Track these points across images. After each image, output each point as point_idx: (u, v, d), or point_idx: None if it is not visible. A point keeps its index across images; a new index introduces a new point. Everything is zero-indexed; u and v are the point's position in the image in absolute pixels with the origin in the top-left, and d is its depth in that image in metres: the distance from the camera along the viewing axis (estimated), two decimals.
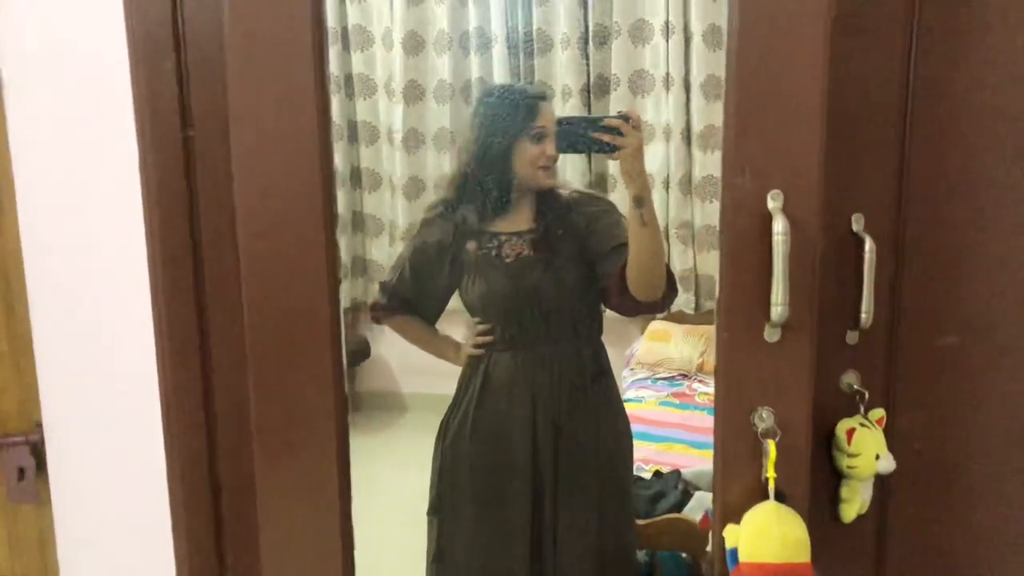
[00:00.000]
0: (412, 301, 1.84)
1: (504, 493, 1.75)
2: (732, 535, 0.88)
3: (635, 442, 1.99)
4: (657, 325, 3.50)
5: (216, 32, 0.84)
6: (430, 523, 1.86)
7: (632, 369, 3.46)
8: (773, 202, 0.84)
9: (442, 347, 1.85)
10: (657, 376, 3.38)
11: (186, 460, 0.97)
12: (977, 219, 0.97)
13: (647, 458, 2.61)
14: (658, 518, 2.17)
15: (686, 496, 2.32)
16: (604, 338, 1.81)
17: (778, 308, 0.83)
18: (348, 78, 3.79)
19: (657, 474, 2.48)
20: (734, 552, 0.87)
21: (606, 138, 1.49)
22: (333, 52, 3.73)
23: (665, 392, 3.24)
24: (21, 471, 1.31)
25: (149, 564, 1.11)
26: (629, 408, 2.75)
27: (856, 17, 0.92)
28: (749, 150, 0.84)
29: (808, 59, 0.83)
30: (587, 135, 1.51)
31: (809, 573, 0.85)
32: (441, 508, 1.84)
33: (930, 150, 0.97)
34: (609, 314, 1.80)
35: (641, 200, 1.52)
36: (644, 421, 2.90)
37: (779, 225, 0.82)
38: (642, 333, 3.54)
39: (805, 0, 0.83)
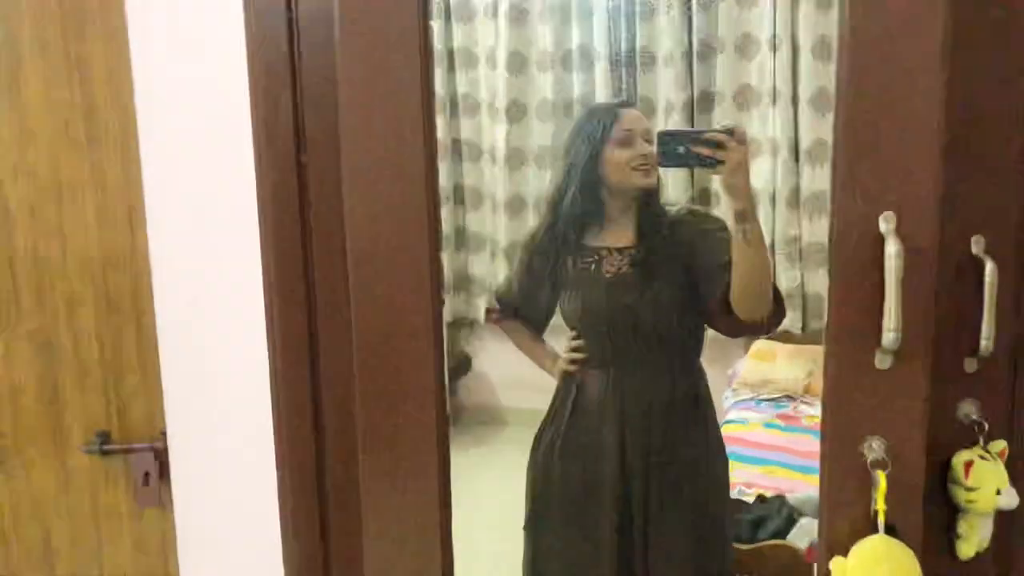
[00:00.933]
0: (520, 310, 1.86)
1: (593, 514, 1.74)
2: (839, 569, 0.85)
3: (738, 465, 1.94)
4: (762, 344, 3.40)
5: (329, 63, 0.88)
6: (526, 538, 1.87)
7: (735, 389, 3.37)
8: (886, 224, 0.82)
9: (541, 356, 1.86)
10: (761, 397, 3.29)
11: (295, 471, 1.01)
12: None
13: (750, 482, 2.54)
14: (760, 544, 2.11)
15: (790, 522, 2.24)
16: (705, 357, 1.76)
17: (891, 334, 0.80)
18: (453, 98, 3.88)
19: (760, 498, 2.41)
20: None
21: (707, 152, 1.45)
22: (438, 73, 3.82)
23: (770, 414, 3.14)
24: (147, 476, 1.40)
25: (262, 568, 1.16)
26: (731, 430, 2.69)
27: (974, 30, 0.89)
28: (860, 170, 0.82)
29: (924, 73, 0.80)
30: (689, 149, 1.47)
31: None
32: (535, 524, 1.84)
33: None
34: (711, 331, 1.77)
35: (744, 216, 1.48)
36: (747, 443, 2.82)
37: (892, 248, 0.79)
38: (746, 352, 3.45)
39: (920, 10, 0.80)
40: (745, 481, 2.51)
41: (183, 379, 1.18)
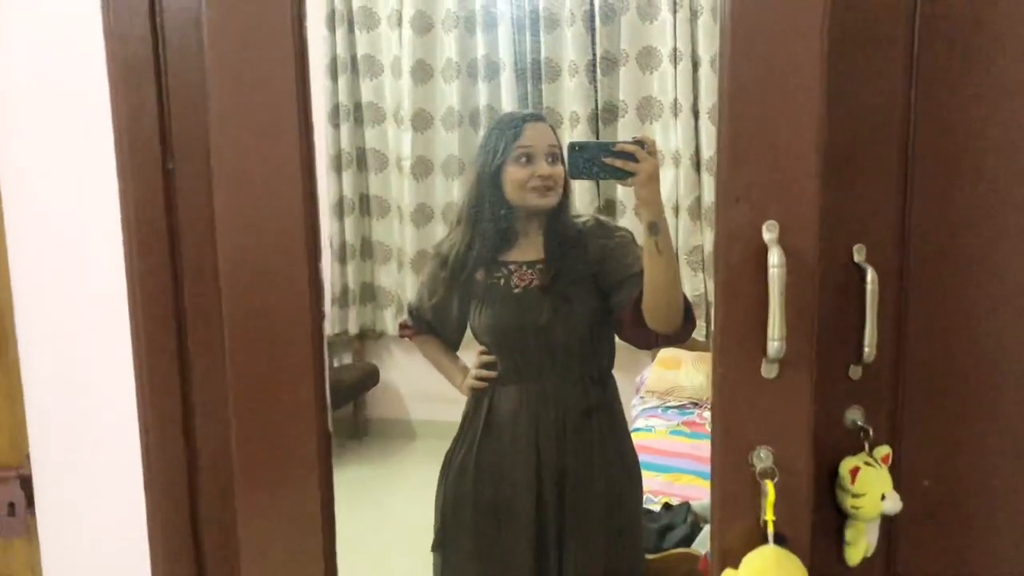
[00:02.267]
0: (432, 324, 1.83)
1: (507, 531, 1.71)
2: None
3: (645, 473, 1.95)
4: (667, 352, 3.46)
5: (197, 61, 0.83)
6: (434, 558, 1.82)
7: (642, 397, 3.41)
8: (769, 233, 0.82)
9: (452, 372, 1.83)
10: (668, 404, 3.34)
11: (165, 496, 0.95)
12: (983, 248, 0.94)
13: (656, 489, 2.57)
14: (667, 552, 2.12)
15: (695, 529, 2.27)
16: (615, 366, 1.77)
17: (775, 343, 0.80)
18: (357, 106, 3.82)
19: (666, 506, 2.44)
20: None
21: (619, 164, 1.45)
22: (343, 80, 3.76)
23: (675, 421, 3.19)
24: (11, 506, 1.30)
25: None
26: (638, 438, 2.71)
27: (854, 41, 0.90)
28: (743, 179, 0.82)
29: (804, 84, 0.81)
30: (600, 161, 1.46)
31: None
32: (444, 544, 1.81)
33: (934, 177, 0.94)
34: (620, 343, 1.77)
35: (656, 227, 1.47)
36: (653, 451, 2.86)
37: (775, 257, 0.79)
38: (652, 360, 3.50)
39: (799, 24, 0.81)
40: (652, 489, 2.53)
41: (47, 402, 1.09)
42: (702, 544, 2.14)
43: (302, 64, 0.81)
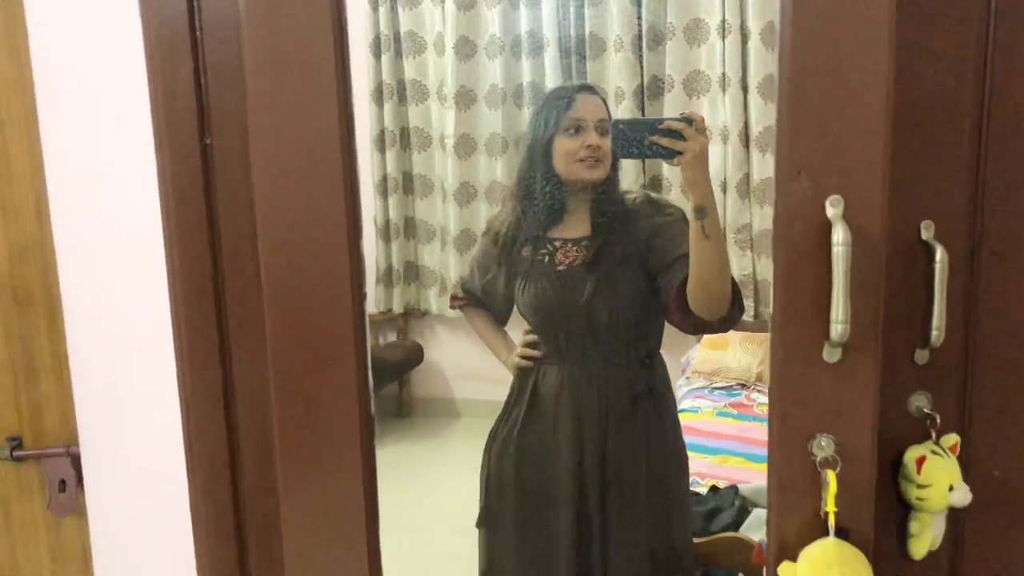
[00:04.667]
0: (482, 299, 1.82)
1: (550, 512, 1.69)
2: (788, 573, 0.81)
3: (691, 455, 1.91)
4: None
5: (234, 37, 0.80)
6: (480, 536, 1.82)
7: (688, 378, 3.36)
8: (832, 209, 0.77)
9: (499, 347, 1.82)
10: (714, 386, 3.29)
11: (207, 476, 0.94)
12: None
13: (703, 472, 2.52)
14: (714, 536, 2.08)
15: (743, 513, 2.22)
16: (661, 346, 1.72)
17: (838, 326, 0.75)
18: (401, 84, 3.80)
19: (714, 489, 2.40)
20: None
21: (666, 142, 1.39)
22: (386, 58, 3.74)
23: (723, 402, 3.14)
24: (62, 483, 1.31)
25: None
26: (684, 419, 2.67)
27: (924, 12, 0.84)
28: (805, 152, 0.77)
29: (871, 51, 0.76)
30: (646, 139, 1.40)
31: None
32: (489, 521, 1.80)
33: (1009, 151, 0.88)
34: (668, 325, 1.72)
35: (704, 210, 1.41)
36: (700, 433, 2.81)
37: (839, 235, 0.75)
38: (698, 341, 3.44)
39: None
40: (698, 471, 2.49)
41: (93, 380, 1.09)
42: (750, 528, 2.09)
43: (341, 39, 0.78)
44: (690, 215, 1.44)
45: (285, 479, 0.91)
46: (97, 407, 1.10)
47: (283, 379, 0.86)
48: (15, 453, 1.30)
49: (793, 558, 0.81)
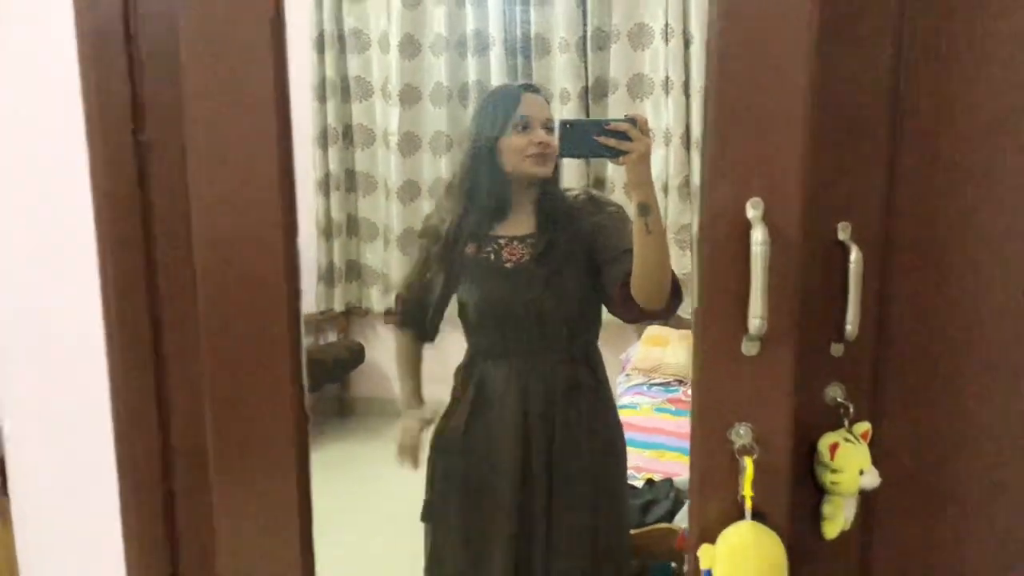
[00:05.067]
0: (415, 313, 1.81)
1: (496, 503, 1.72)
2: (707, 556, 0.85)
3: (629, 449, 1.96)
4: (654, 330, 3.46)
5: (171, 29, 0.81)
6: (426, 529, 1.84)
7: (628, 375, 3.42)
8: (753, 210, 0.81)
9: (407, 391, 1.85)
10: (653, 382, 3.35)
11: (138, 477, 0.94)
12: (967, 228, 0.94)
13: (639, 466, 2.57)
14: (649, 528, 2.14)
15: (678, 505, 2.28)
16: (600, 342, 1.77)
17: (756, 320, 0.80)
18: (344, 80, 3.78)
19: (649, 482, 2.45)
20: (709, 573, 0.84)
21: (612, 143, 1.43)
22: (329, 55, 3.72)
23: (661, 398, 3.20)
24: None
25: None
26: (623, 415, 2.72)
27: (844, 22, 0.89)
28: (729, 156, 0.81)
29: (791, 62, 0.80)
30: (592, 139, 1.43)
31: None
32: (434, 515, 1.82)
33: (921, 158, 0.94)
34: (606, 318, 1.78)
35: (647, 208, 1.47)
36: (638, 428, 2.86)
37: (758, 234, 0.79)
38: (639, 338, 3.50)
39: (787, 2, 0.80)
40: (635, 465, 2.54)
41: (20, 384, 1.07)
42: (684, 520, 2.15)
43: (279, 32, 0.79)
44: (634, 213, 1.49)
45: (218, 481, 0.91)
46: (24, 412, 1.08)
47: (218, 377, 0.86)
48: None
49: (713, 541, 0.86)
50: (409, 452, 1.83)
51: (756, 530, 0.83)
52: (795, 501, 0.91)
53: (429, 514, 1.83)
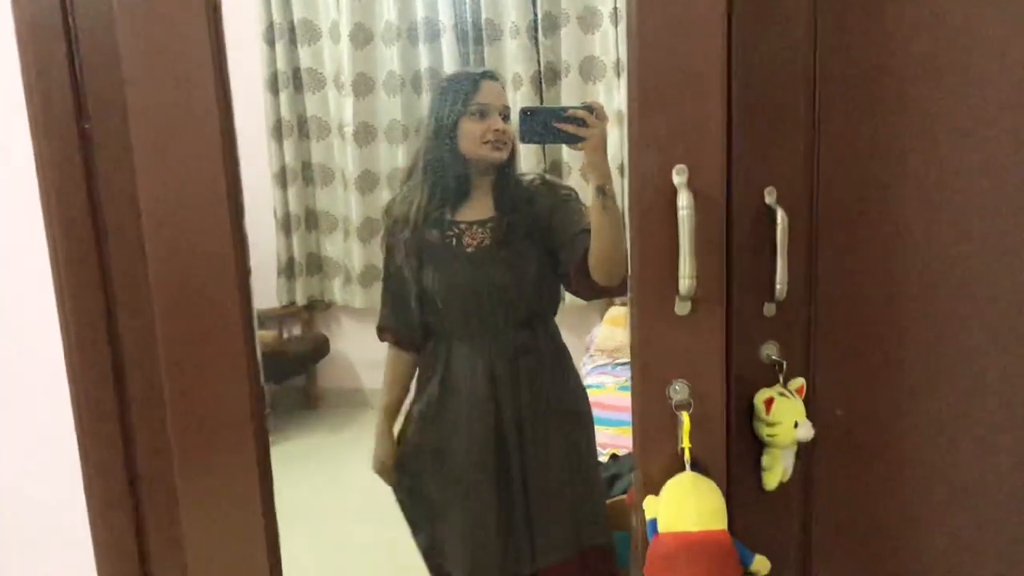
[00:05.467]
0: (399, 328, 1.85)
1: (472, 479, 1.78)
2: (652, 506, 0.90)
3: (595, 427, 2.02)
4: (616, 311, 3.52)
5: (107, 15, 0.82)
6: (403, 510, 1.89)
7: (592, 356, 3.47)
8: (678, 177, 0.85)
9: (385, 399, 1.88)
10: (617, 362, 3.40)
11: (100, 469, 0.95)
12: (887, 189, 0.99)
13: (605, 443, 2.63)
14: (613, 499, 2.19)
15: None
16: (563, 324, 1.84)
17: (686, 281, 0.84)
18: (296, 72, 3.76)
19: (614, 457, 2.51)
20: (654, 523, 0.88)
21: (571, 129, 1.49)
22: (280, 47, 3.70)
23: (624, 377, 3.26)
24: None
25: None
26: (589, 394, 2.77)
27: None
28: (653, 126, 0.85)
29: (707, 34, 0.84)
30: (551, 126, 1.50)
31: (726, 540, 0.86)
32: (410, 496, 1.87)
33: (840, 124, 0.98)
34: (568, 302, 1.84)
35: (604, 190, 1.53)
36: (603, 407, 2.91)
37: (684, 199, 0.83)
38: (601, 319, 3.55)
39: None
40: (600, 442, 2.59)
41: None
42: None
43: (215, 23, 0.81)
44: (591, 194, 1.55)
45: (181, 470, 0.93)
46: None
47: (173, 364, 0.88)
48: None
49: (657, 494, 0.90)
50: (386, 471, 1.88)
51: (696, 480, 0.88)
52: (736, 454, 0.96)
53: (406, 496, 1.88)
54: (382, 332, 1.89)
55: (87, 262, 0.88)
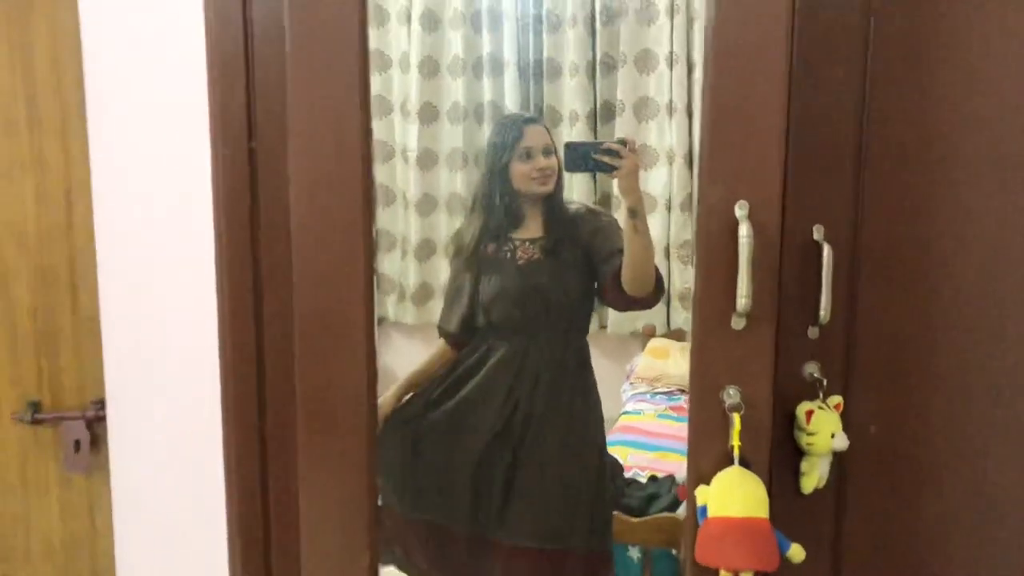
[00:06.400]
0: (454, 314, 2.05)
1: (481, 459, 1.97)
2: (702, 494, 1.03)
3: (634, 451, 2.17)
4: (657, 342, 3.60)
5: (279, 56, 1.01)
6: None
7: (632, 383, 3.56)
8: (740, 210, 1.00)
9: (414, 372, 2.07)
10: (656, 391, 3.49)
11: (239, 424, 1.12)
12: (924, 228, 1.12)
13: (644, 465, 2.73)
14: (651, 516, 2.30)
15: (679, 498, 2.45)
16: (606, 352, 2.06)
17: (743, 300, 0.98)
18: None
19: (653, 478, 2.62)
20: (704, 509, 1.01)
21: (607, 159, 1.73)
22: None
23: (663, 406, 3.34)
24: (77, 443, 1.47)
25: (200, 531, 1.26)
26: (628, 420, 2.90)
27: (816, 53, 1.08)
28: (720, 165, 1.00)
29: (770, 87, 0.99)
30: (591, 157, 1.76)
31: (767, 526, 0.99)
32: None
33: (883, 171, 1.12)
34: (612, 331, 2.04)
35: (635, 212, 1.77)
36: (642, 432, 3.01)
37: (744, 229, 0.97)
38: (642, 349, 3.65)
39: (767, 39, 0.99)
40: (639, 465, 2.70)
41: (125, 350, 1.27)
42: (684, 511, 2.30)
43: (364, 64, 0.99)
44: (624, 215, 1.78)
45: (304, 437, 1.11)
46: (127, 375, 1.28)
47: (306, 349, 1.06)
48: (35, 416, 1.46)
49: (708, 483, 1.03)
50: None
51: (742, 473, 1.01)
52: (779, 460, 1.09)
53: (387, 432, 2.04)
54: (440, 330, 2.10)
55: (244, 259, 1.08)
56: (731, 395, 1.02)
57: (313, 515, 1.12)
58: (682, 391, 3.46)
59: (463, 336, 2.05)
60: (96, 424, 1.45)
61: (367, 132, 1.00)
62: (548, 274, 1.95)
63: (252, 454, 1.14)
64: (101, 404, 1.41)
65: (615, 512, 2.19)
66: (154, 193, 1.18)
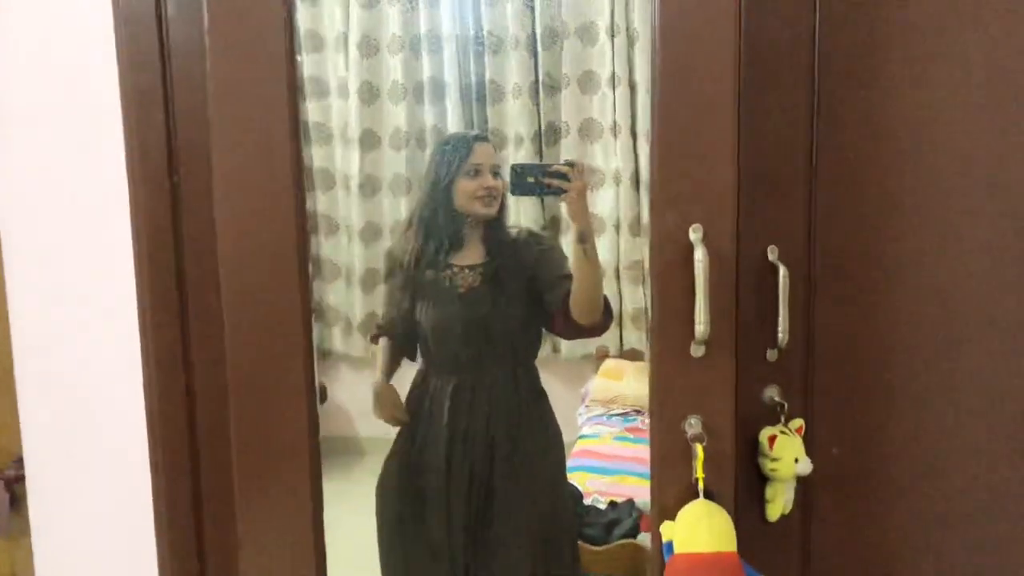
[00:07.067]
0: (395, 332, 1.99)
1: (448, 508, 1.91)
2: (668, 530, 0.98)
3: (592, 476, 2.12)
4: (611, 364, 3.59)
5: (200, 85, 0.94)
6: (381, 553, 2.00)
7: (587, 406, 3.54)
8: (694, 234, 0.96)
9: (378, 374, 2.00)
10: (612, 412, 3.47)
11: (171, 480, 1.04)
12: (879, 248, 1.11)
13: (602, 490, 2.69)
14: (613, 544, 2.26)
15: (639, 524, 2.41)
16: (559, 376, 1.99)
17: (701, 326, 0.94)
18: (304, 127, 3.89)
19: (612, 504, 2.58)
20: (670, 545, 0.97)
21: (554, 183, 1.67)
22: None
23: (619, 427, 3.33)
24: None
25: None
26: (585, 444, 2.86)
27: (764, 77, 1.06)
28: (673, 190, 0.97)
29: (720, 113, 0.96)
30: (538, 179, 1.69)
31: (735, 561, 0.95)
32: (387, 539, 1.98)
33: (835, 192, 1.10)
34: (565, 355, 1.98)
35: (584, 236, 1.71)
36: (599, 456, 2.99)
37: (699, 254, 0.94)
38: (596, 371, 3.64)
39: (715, 62, 0.96)
40: (598, 490, 2.67)
41: (43, 403, 1.18)
42: (645, 537, 2.27)
43: (293, 88, 0.93)
44: (573, 241, 1.73)
45: (241, 493, 1.03)
46: (47, 430, 1.19)
47: (241, 397, 0.99)
48: None
49: (672, 519, 0.99)
50: (392, 410, 1.98)
51: (708, 506, 0.97)
52: (743, 488, 1.05)
53: (383, 538, 1.99)
54: (380, 329, 2.03)
55: (169, 302, 1.00)
56: (693, 425, 0.99)
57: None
58: (638, 412, 3.45)
59: (407, 348, 1.99)
60: (16, 484, 1.35)
61: (297, 160, 0.94)
62: (491, 304, 1.88)
63: (185, 509, 1.06)
64: (20, 462, 1.31)
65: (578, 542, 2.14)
66: (68, 240, 1.09)
